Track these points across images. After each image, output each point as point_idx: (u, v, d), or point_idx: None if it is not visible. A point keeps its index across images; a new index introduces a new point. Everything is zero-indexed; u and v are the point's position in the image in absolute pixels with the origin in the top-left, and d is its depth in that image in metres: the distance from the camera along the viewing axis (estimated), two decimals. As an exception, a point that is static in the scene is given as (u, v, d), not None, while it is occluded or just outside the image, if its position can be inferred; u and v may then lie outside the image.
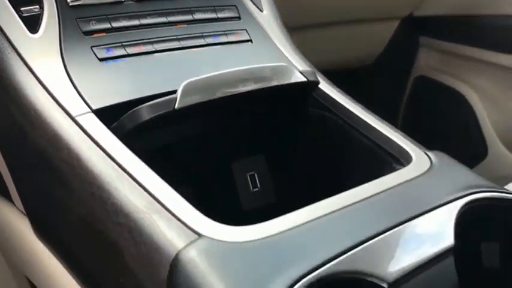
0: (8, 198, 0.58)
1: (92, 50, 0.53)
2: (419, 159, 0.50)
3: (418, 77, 1.40)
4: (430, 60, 1.38)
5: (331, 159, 0.60)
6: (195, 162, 0.61)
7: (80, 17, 0.54)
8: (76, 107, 0.48)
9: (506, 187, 0.53)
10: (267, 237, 0.39)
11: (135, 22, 0.57)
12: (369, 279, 0.37)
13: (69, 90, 0.49)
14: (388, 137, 0.54)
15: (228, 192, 0.64)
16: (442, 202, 0.44)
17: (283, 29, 0.67)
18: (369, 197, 0.44)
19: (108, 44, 0.54)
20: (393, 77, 1.41)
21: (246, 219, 0.41)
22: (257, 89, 0.51)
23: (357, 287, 0.38)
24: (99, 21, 0.55)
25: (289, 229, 0.40)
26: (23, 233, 0.56)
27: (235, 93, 0.50)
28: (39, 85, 0.49)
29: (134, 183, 0.42)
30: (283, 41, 0.65)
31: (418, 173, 0.48)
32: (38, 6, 0.53)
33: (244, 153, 0.65)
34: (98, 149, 0.45)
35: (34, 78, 0.49)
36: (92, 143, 0.46)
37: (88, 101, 0.49)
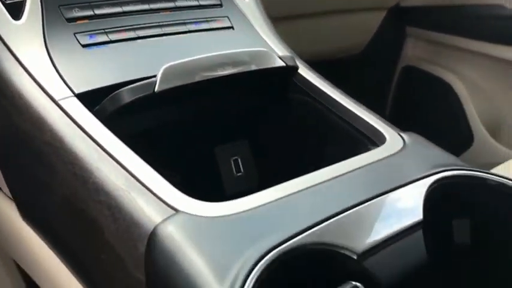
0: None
1: (75, 37, 0.54)
2: (393, 139, 0.52)
3: (405, 67, 1.42)
4: (416, 50, 1.39)
5: (311, 142, 0.62)
6: (178, 147, 0.62)
7: (63, 4, 0.55)
8: (59, 91, 0.49)
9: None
10: (242, 212, 0.40)
11: (118, 9, 0.58)
12: (339, 250, 0.39)
13: (52, 75, 0.51)
14: (364, 120, 0.55)
15: (211, 177, 0.66)
16: (412, 179, 0.46)
17: (265, 17, 0.68)
18: (342, 174, 0.46)
19: (91, 31, 0.56)
20: (380, 67, 1.42)
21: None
22: (236, 73, 0.53)
23: (328, 259, 0.39)
24: (82, 8, 0.56)
25: (263, 204, 0.41)
26: (10, 217, 0.58)
27: (214, 77, 0.51)
28: (22, 70, 0.50)
29: (115, 163, 0.44)
30: (265, 28, 0.66)
31: (391, 153, 0.50)
32: (21, -7, 0.54)
33: (227, 138, 0.66)
34: (80, 131, 0.46)
35: (17, 64, 0.51)
36: (74, 125, 0.47)
37: (71, 86, 0.50)
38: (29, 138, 0.49)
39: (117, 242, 0.41)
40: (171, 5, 0.61)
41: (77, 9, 0.56)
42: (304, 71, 0.61)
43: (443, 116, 1.33)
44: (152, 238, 0.38)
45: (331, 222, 0.40)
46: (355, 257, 0.39)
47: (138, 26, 0.58)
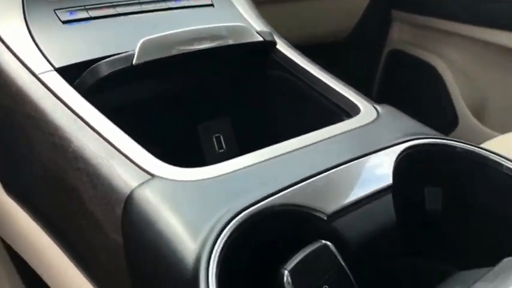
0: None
1: (55, 13, 0.55)
2: (367, 111, 0.53)
3: (391, 50, 1.43)
4: (402, 34, 1.40)
5: (290, 117, 0.63)
6: (159, 125, 0.63)
7: (42, -19, 0.56)
8: (39, 65, 0.50)
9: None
10: (215, 176, 0.42)
11: (98, -14, 0.59)
12: (309, 211, 0.40)
13: (32, 50, 0.52)
14: (340, 93, 0.57)
15: (193, 154, 0.67)
16: (384, 146, 0.47)
17: (246, -5, 0.69)
18: (315, 142, 0.47)
19: (71, 7, 0.56)
20: (367, 51, 1.44)
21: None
22: (213, 47, 0.54)
23: (298, 219, 0.41)
24: (62, -15, 0.57)
25: (237, 170, 0.43)
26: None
27: (191, 50, 0.52)
28: (2, 46, 0.51)
29: (93, 132, 0.45)
30: (245, 6, 0.67)
31: (365, 123, 0.51)
32: (0, -30, 0.55)
33: (209, 115, 0.67)
34: (60, 103, 0.47)
35: (-2, 40, 0.52)
36: (54, 98, 0.48)
37: (51, 60, 0.51)
38: (10, 112, 0.50)
39: (95, 207, 0.42)
40: (151, -18, 0.62)
41: (57, -14, 0.56)
42: (283, 47, 0.62)
43: (429, 98, 1.35)
44: (129, 201, 0.39)
45: (302, 185, 0.42)
46: (325, 218, 0.41)
47: (118, 3, 0.59)
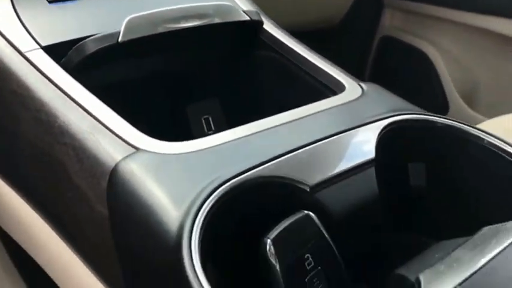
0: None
1: (41, -7, 0.55)
2: (352, 88, 0.54)
3: (383, 37, 1.43)
4: (394, 20, 1.41)
5: (277, 96, 0.63)
6: (148, 105, 0.63)
7: (28, -40, 0.56)
8: (25, 43, 0.51)
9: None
10: (200, 150, 0.42)
11: (84, -34, 0.59)
12: (292, 183, 0.41)
13: (18, 29, 0.52)
14: (326, 71, 0.57)
15: (182, 135, 0.67)
16: (367, 121, 0.48)
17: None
18: (300, 118, 0.48)
19: (57, -13, 0.56)
20: (359, 37, 1.44)
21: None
22: (200, 25, 0.54)
23: (281, 191, 0.41)
24: (48, -36, 0.57)
25: (221, 143, 0.43)
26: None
27: (177, 29, 0.52)
28: (-12, 24, 0.51)
29: (79, 108, 0.45)
30: (232, -14, 0.67)
31: (350, 99, 0.52)
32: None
33: (198, 96, 0.68)
34: (46, 80, 0.48)
35: (-17, 18, 0.52)
36: (40, 75, 0.48)
37: (37, 39, 0.51)
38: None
39: (81, 180, 0.42)
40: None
41: (43, -35, 0.56)
42: (270, 27, 0.63)
43: (420, 84, 1.35)
44: (113, 174, 0.40)
45: (286, 158, 0.42)
46: (307, 190, 0.42)
47: (104, -17, 0.59)
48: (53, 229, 0.49)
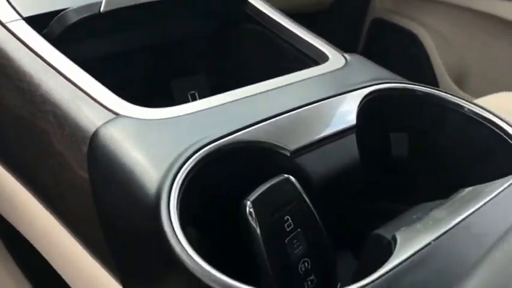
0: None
1: (23, -36, 0.55)
2: (336, 58, 0.54)
3: (373, 19, 1.43)
4: (384, 3, 1.41)
5: (264, 69, 0.63)
6: (133, 80, 0.63)
7: None
8: (6, 14, 0.50)
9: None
10: (180, 115, 0.42)
11: None
12: (272, 147, 0.41)
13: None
14: (310, 43, 0.57)
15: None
16: (349, 89, 0.48)
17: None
18: (282, 86, 0.48)
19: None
20: (349, 19, 1.44)
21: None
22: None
23: (262, 155, 0.42)
24: None
25: (203, 109, 0.43)
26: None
27: (159, -1, 0.52)
28: (-32, -4, 0.51)
29: (60, 76, 0.45)
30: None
31: (333, 68, 0.52)
32: None
33: (183, 71, 0.67)
34: (27, 50, 0.48)
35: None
36: (21, 45, 0.48)
37: (18, 10, 0.51)
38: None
39: (63, 146, 0.43)
40: None
41: None
42: (255, 1, 0.62)
43: (411, 66, 1.35)
44: (94, 139, 0.40)
45: (267, 123, 0.43)
46: (288, 154, 0.42)
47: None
48: (37, 199, 0.49)
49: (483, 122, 0.47)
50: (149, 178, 0.36)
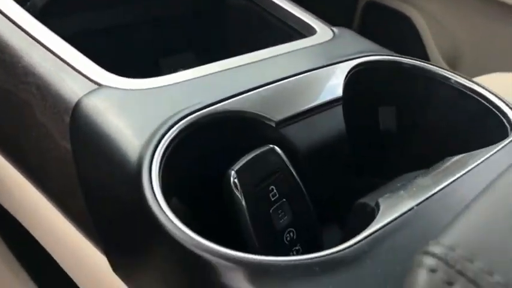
0: None
1: None
2: (324, 32, 0.54)
3: (367, 2, 1.42)
4: (378, -15, 1.40)
5: (251, 44, 0.63)
6: (119, 58, 0.62)
7: None
8: (-12, -12, 0.50)
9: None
10: (163, 86, 0.42)
11: None
12: (257, 118, 0.41)
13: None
14: (298, 17, 0.57)
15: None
16: (336, 61, 0.48)
17: None
18: (267, 57, 0.47)
19: None
20: (343, 3, 1.43)
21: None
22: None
23: (247, 125, 0.41)
24: None
25: (186, 80, 0.43)
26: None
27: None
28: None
29: (43, 48, 0.44)
30: None
31: (320, 41, 0.51)
32: None
33: (172, 51, 0.67)
34: (9, 22, 0.47)
35: None
36: (3, 17, 0.47)
37: (0, -17, 0.50)
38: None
39: (45, 118, 0.42)
40: None
41: None
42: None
43: (404, 49, 1.35)
44: (76, 109, 0.40)
45: (251, 94, 0.42)
46: (273, 125, 0.42)
47: None
48: (20, 172, 0.49)
49: (470, 93, 0.47)
50: (131, 146, 0.36)
